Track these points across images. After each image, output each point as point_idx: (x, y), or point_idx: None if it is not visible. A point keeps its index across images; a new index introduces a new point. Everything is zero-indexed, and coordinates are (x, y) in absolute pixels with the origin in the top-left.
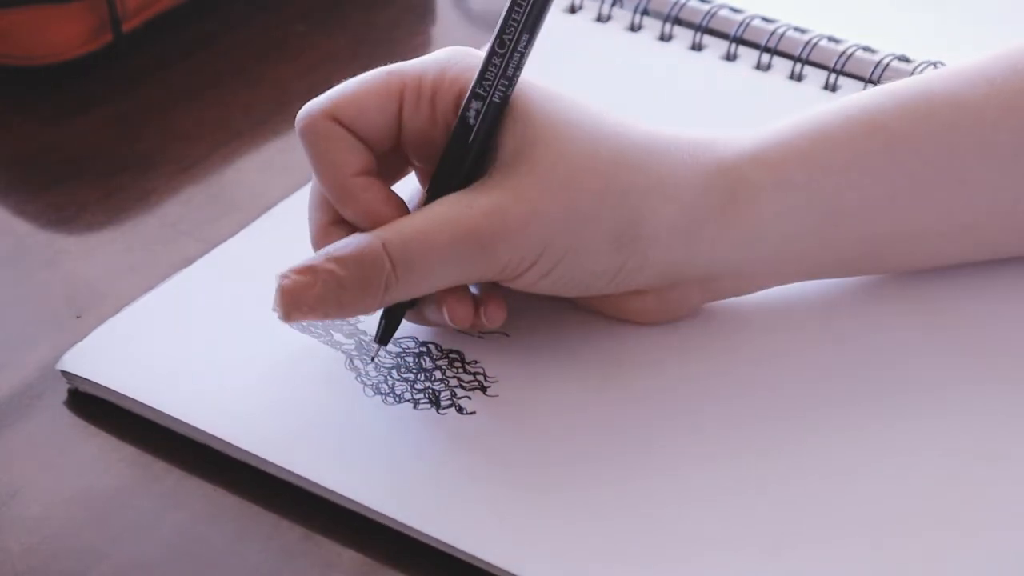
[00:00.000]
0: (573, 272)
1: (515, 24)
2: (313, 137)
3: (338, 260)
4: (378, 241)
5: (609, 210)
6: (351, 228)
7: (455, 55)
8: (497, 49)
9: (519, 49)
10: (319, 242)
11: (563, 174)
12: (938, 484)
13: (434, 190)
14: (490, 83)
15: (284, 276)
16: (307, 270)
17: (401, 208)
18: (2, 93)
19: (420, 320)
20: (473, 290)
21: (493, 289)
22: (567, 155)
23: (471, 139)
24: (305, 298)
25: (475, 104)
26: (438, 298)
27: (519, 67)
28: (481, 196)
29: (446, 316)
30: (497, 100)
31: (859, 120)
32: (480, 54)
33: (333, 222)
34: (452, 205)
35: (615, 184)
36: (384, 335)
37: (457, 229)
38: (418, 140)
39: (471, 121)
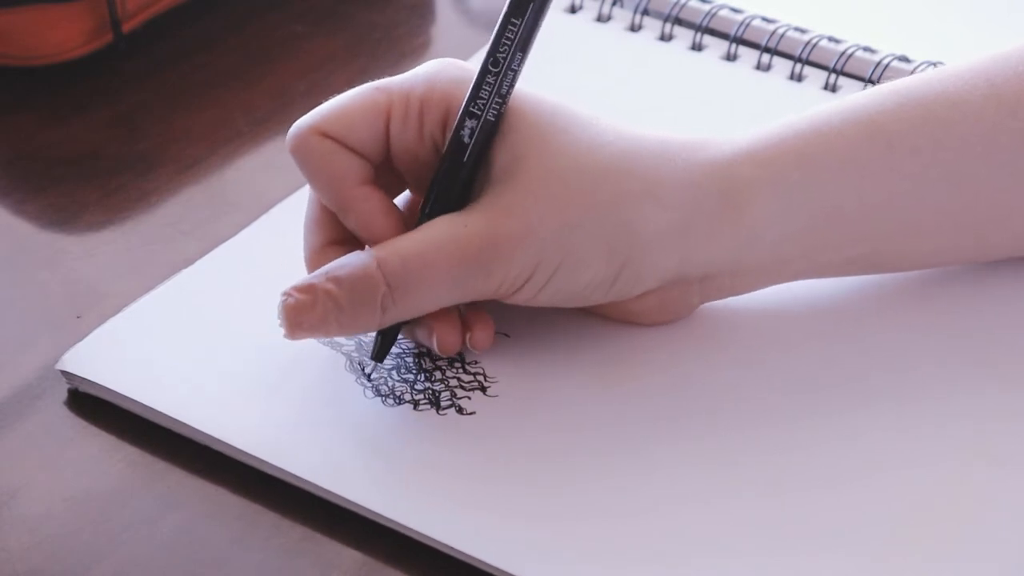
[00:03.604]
0: (569, 285)
1: (509, 42)
2: (305, 154)
3: (336, 280)
4: (373, 263)
5: (600, 221)
6: (346, 249)
7: (441, 70)
8: (491, 67)
9: (513, 67)
10: (313, 263)
11: (553, 189)
12: (939, 487)
13: (430, 208)
14: (484, 102)
15: (287, 294)
16: (308, 289)
17: (400, 221)
18: (2, 93)
19: (410, 337)
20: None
21: (480, 311)
22: (556, 169)
23: (466, 157)
24: (307, 317)
25: (469, 123)
26: (427, 324)
27: (512, 84)
28: (475, 216)
29: (435, 344)
30: (492, 118)
31: (856, 120)
32: (466, 66)
33: (328, 243)
34: (447, 226)
35: (605, 195)
36: (380, 352)
37: (453, 251)
38: (406, 157)
39: (466, 140)
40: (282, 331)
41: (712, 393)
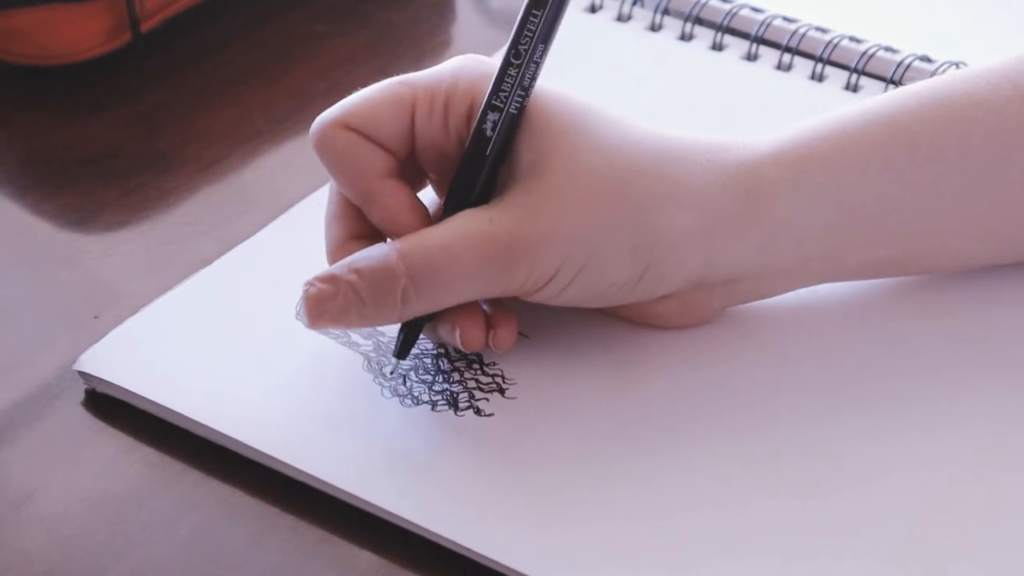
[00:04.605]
0: (592, 284)
1: (530, 34)
2: (329, 147)
3: (357, 272)
4: (395, 255)
5: (626, 220)
6: (368, 243)
7: (466, 64)
8: (512, 60)
9: (535, 59)
10: (336, 257)
11: (580, 187)
12: (956, 488)
13: (452, 202)
14: (506, 94)
15: (309, 284)
16: (330, 279)
17: (425, 216)
18: (21, 92)
19: (433, 336)
20: (484, 307)
21: (505, 311)
22: (583, 168)
23: (488, 151)
24: (328, 307)
25: (492, 116)
26: (452, 320)
27: (535, 77)
28: (500, 211)
29: (458, 339)
30: (514, 111)
31: (880, 122)
32: (490, 61)
33: (350, 237)
34: (472, 220)
35: (631, 194)
36: (402, 349)
37: (478, 245)
38: (431, 151)
39: (488, 133)
40: (302, 321)
41: (732, 396)
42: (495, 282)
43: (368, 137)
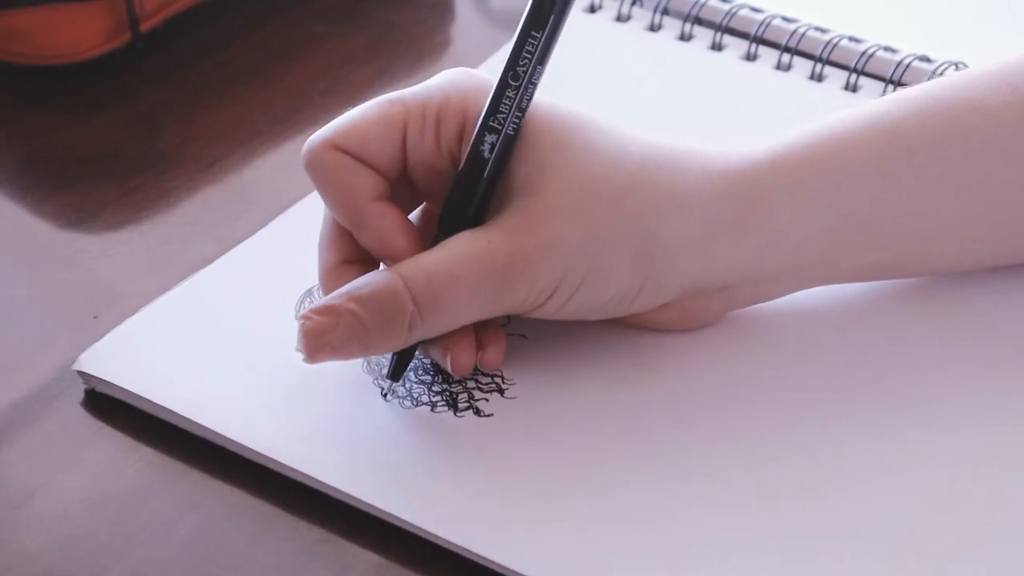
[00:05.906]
0: (593, 298)
1: (529, 56)
2: (320, 168)
3: (359, 300)
4: (399, 281)
5: (626, 231)
6: (361, 267)
7: (455, 79)
8: (511, 81)
9: (533, 81)
10: (328, 282)
11: (577, 200)
12: (956, 489)
13: (448, 224)
14: (504, 115)
15: (306, 317)
16: (329, 310)
17: (417, 238)
18: (21, 92)
19: (425, 354)
20: None
21: (494, 330)
22: (580, 180)
23: (486, 172)
24: (329, 339)
25: (489, 138)
26: (443, 345)
27: (531, 97)
28: (498, 230)
29: (448, 364)
30: (511, 132)
31: (877, 127)
32: (480, 75)
33: (343, 261)
34: (470, 241)
35: (629, 205)
36: (396, 371)
37: (478, 267)
38: (423, 169)
39: (486, 155)
40: (300, 356)
41: (731, 397)
42: (497, 301)
43: (358, 158)
